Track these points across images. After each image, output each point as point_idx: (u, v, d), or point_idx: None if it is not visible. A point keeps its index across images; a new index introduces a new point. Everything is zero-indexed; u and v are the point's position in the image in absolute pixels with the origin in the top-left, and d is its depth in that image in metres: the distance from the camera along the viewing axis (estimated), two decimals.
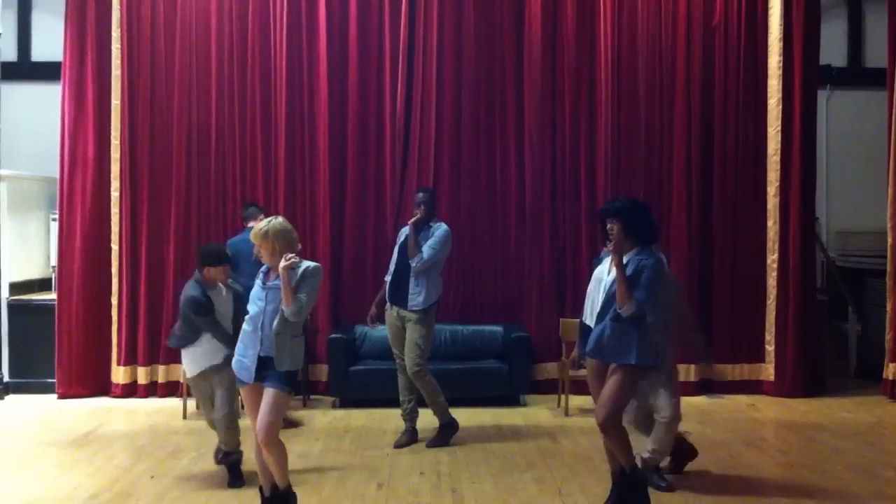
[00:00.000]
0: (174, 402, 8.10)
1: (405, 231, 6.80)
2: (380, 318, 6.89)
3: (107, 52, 8.54)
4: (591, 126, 8.69)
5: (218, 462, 5.94)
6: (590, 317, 5.22)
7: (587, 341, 5.17)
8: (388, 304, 6.80)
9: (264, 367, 4.84)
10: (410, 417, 6.82)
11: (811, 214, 8.71)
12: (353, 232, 8.67)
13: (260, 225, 4.91)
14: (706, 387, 8.57)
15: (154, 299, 8.51)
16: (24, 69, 9.74)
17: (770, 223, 8.58)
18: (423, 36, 8.61)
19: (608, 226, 5.12)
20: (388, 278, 6.84)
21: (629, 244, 5.07)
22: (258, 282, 4.97)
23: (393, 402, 7.00)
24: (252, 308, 4.93)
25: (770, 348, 8.56)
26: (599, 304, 5.12)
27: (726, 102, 8.69)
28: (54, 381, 8.42)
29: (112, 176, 8.53)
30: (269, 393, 4.79)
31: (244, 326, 4.96)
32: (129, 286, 8.48)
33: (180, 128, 8.58)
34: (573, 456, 6.39)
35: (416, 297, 6.63)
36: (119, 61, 8.52)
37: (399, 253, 6.78)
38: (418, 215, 6.70)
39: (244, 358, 4.91)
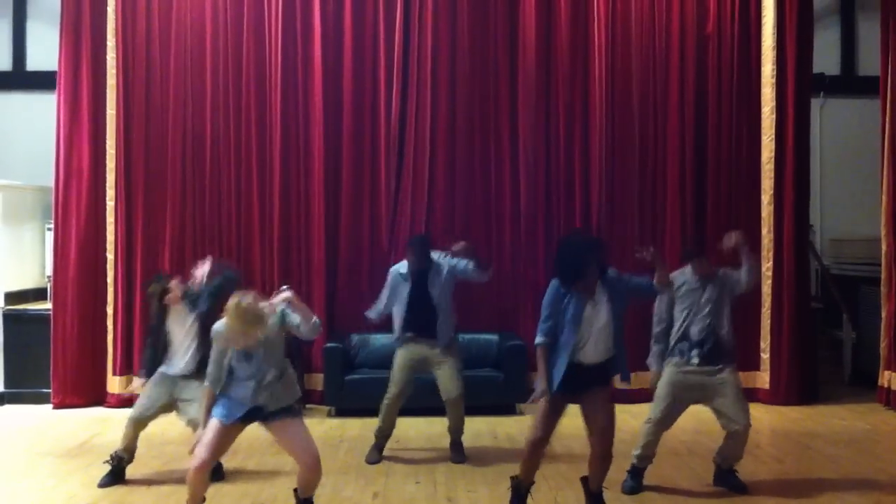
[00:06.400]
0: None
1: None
2: None
3: (102, 62, 8.55)
4: (584, 134, 8.71)
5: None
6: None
7: None
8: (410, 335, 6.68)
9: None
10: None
11: (805, 222, 8.75)
12: (348, 241, 8.67)
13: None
14: None
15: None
16: (19, 79, 9.77)
17: (764, 231, 8.60)
18: (417, 45, 8.63)
19: None
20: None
21: None
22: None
23: None
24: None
25: (765, 356, 8.57)
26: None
27: (720, 110, 8.72)
28: (50, 391, 8.40)
29: (107, 185, 8.53)
30: (299, 423, 5.00)
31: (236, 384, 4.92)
32: (124, 295, 8.47)
33: (175, 137, 8.59)
34: (568, 464, 6.37)
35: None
36: (114, 70, 8.54)
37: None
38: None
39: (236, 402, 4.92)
